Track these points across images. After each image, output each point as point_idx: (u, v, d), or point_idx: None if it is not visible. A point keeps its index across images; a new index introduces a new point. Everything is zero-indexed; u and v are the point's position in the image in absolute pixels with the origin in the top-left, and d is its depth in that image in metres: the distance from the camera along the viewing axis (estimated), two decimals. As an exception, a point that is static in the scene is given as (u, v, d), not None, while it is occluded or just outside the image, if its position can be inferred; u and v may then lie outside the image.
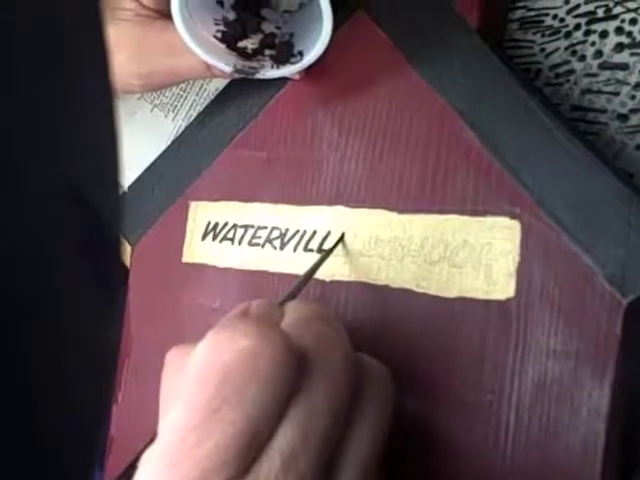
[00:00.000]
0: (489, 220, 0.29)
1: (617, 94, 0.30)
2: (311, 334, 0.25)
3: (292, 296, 0.29)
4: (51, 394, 0.14)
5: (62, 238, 0.14)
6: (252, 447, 0.22)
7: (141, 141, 0.45)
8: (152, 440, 0.24)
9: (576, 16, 0.31)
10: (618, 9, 0.30)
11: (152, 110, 0.45)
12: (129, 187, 0.42)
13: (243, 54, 0.34)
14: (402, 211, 0.31)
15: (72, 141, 0.14)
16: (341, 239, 0.33)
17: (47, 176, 0.13)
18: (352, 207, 0.33)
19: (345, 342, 0.26)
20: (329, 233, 0.33)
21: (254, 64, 0.34)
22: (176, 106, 0.44)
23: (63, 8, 0.14)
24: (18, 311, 0.12)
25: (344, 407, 0.24)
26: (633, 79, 0.30)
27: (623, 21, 0.30)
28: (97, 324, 0.15)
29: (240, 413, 0.22)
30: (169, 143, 0.42)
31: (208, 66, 0.35)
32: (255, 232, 0.36)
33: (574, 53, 0.31)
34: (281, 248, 0.35)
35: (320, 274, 0.32)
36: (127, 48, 0.36)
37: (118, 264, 0.16)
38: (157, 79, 0.37)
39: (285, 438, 0.23)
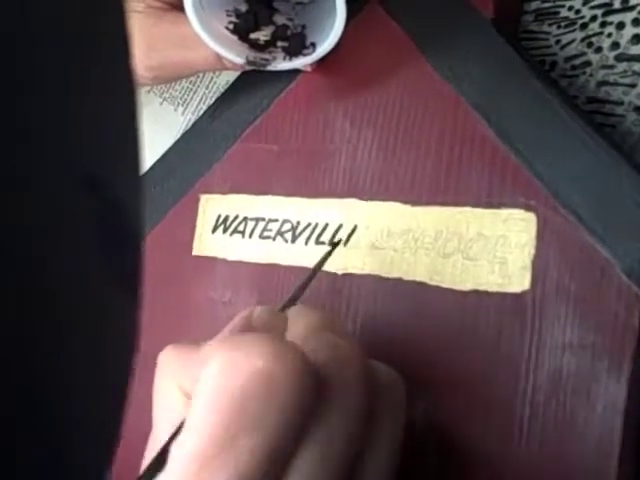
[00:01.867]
0: (504, 212, 0.29)
1: (634, 86, 0.30)
2: (326, 350, 0.24)
3: (294, 300, 0.29)
4: (67, 393, 0.13)
5: (81, 229, 0.13)
6: (271, 475, 0.22)
7: (150, 134, 0.45)
8: (157, 463, 0.23)
9: (592, 7, 0.31)
10: (635, 0, 0.30)
11: (161, 103, 0.45)
12: (139, 180, 0.42)
13: (255, 46, 0.34)
14: (415, 203, 0.31)
15: (93, 130, 0.14)
16: (353, 232, 0.32)
17: (66, 165, 0.13)
18: (364, 200, 0.32)
19: (360, 355, 0.24)
20: (341, 226, 0.33)
21: (266, 56, 0.34)
22: (186, 99, 0.44)
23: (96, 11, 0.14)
24: (33, 308, 0.12)
25: (362, 425, 0.23)
26: (650, 71, 0.29)
27: (640, 12, 0.30)
28: (115, 319, 0.15)
29: (259, 441, 0.21)
30: (179, 136, 0.41)
31: (220, 58, 0.34)
32: (266, 225, 0.36)
33: (590, 45, 0.31)
34: (292, 241, 0.34)
35: (332, 267, 0.32)
36: (139, 40, 0.35)
37: (140, 256, 0.16)
38: (168, 71, 0.36)
39: (305, 463, 0.22)
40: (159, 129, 0.45)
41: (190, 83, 0.44)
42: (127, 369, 0.15)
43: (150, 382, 0.39)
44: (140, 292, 0.15)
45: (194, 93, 0.44)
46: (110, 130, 0.15)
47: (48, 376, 0.13)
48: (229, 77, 0.41)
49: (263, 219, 0.36)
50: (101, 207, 0.14)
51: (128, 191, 0.15)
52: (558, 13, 0.32)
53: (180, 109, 0.44)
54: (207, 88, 0.44)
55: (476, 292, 0.29)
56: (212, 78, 0.43)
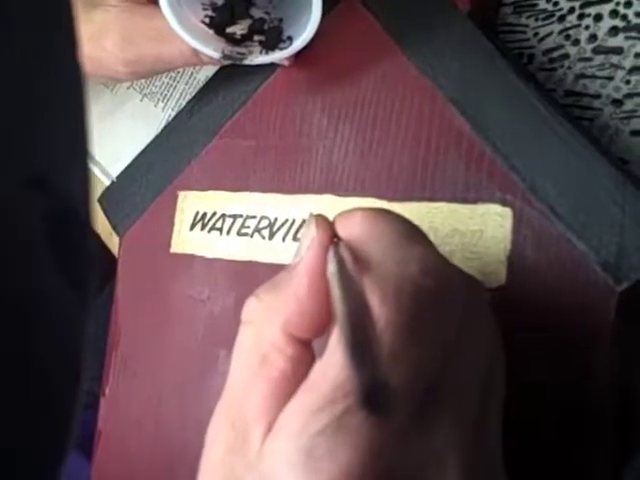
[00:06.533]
0: (480, 207, 0.28)
1: (611, 79, 0.29)
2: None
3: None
4: (18, 394, 0.13)
5: (29, 227, 0.13)
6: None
7: (130, 130, 0.44)
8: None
9: (570, -1, 0.31)
10: (612, -8, 0.30)
11: (142, 99, 0.45)
12: (118, 177, 0.41)
13: (232, 40, 0.34)
14: (392, 199, 0.30)
15: (41, 129, 0.14)
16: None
17: (14, 165, 0.13)
18: (341, 196, 0.32)
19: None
20: (318, 222, 0.33)
21: (243, 50, 0.34)
22: (166, 95, 0.44)
23: (42, 7, 0.14)
24: None
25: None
26: (628, 63, 0.29)
27: (618, 4, 0.29)
28: (67, 318, 0.14)
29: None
30: (157, 132, 0.41)
31: (196, 52, 0.34)
32: (244, 222, 0.35)
33: (568, 37, 0.31)
34: (270, 238, 0.34)
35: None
36: (115, 34, 0.35)
37: (89, 255, 0.15)
38: (144, 66, 0.36)
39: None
40: (139, 125, 0.44)
41: (170, 79, 0.44)
42: (83, 363, 0.15)
43: (130, 378, 0.38)
44: (90, 289, 0.15)
45: (174, 89, 0.44)
46: (58, 128, 0.14)
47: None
48: (209, 72, 0.41)
49: (241, 216, 0.35)
50: (50, 205, 0.14)
51: (77, 189, 0.15)
52: (536, 5, 0.32)
53: (160, 105, 0.44)
54: (187, 84, 0.43)
55: (452, 288, 0.28)
56: (192, 74, 0.43)
